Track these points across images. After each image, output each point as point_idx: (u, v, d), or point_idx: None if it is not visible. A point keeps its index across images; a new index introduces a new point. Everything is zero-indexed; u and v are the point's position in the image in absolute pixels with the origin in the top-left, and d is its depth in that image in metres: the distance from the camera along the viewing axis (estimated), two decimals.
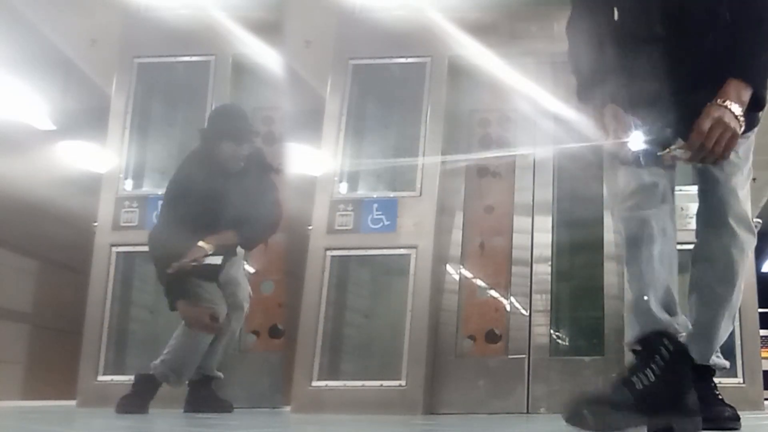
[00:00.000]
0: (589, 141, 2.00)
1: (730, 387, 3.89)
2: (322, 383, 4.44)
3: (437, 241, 4.67)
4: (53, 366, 6.71)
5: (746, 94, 1.86)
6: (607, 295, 4.58)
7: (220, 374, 4.28)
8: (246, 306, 4.33)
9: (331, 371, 4.55)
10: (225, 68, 5.31)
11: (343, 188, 4.83)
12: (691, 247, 2.16)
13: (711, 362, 2.18)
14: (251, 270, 5.46)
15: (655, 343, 1.73)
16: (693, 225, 2.18)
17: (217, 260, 4.08)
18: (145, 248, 4.18)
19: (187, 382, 4.20)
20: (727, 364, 2.31)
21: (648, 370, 1.62)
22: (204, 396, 4.20)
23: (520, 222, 4.88)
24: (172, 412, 4.07)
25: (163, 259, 3.98)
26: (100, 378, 4.76)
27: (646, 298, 1.78)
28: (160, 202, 4.35)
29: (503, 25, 4.84)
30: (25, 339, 6.94)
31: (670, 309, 1.87)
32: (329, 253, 4.70)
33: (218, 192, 4.07)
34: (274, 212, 4.30)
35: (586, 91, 1.94)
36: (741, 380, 4.38)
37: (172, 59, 5.37)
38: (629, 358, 1.79)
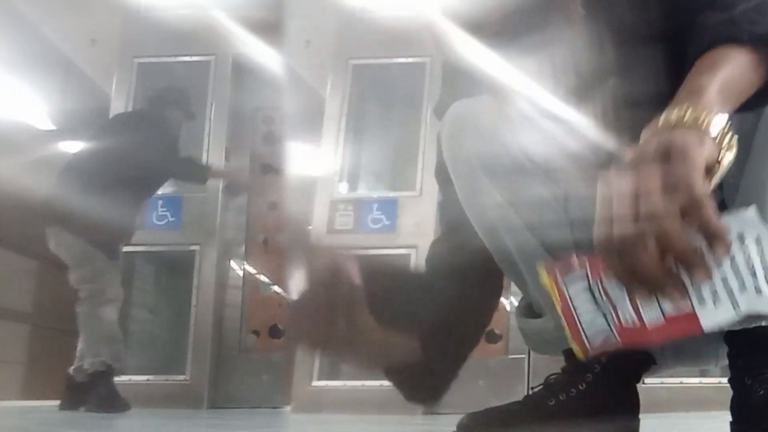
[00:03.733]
0: None
1: None
2: (322, 383, 4.44)
3: None
4: (53, 366, 6.71)
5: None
6: None
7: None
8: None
9: (332, 371, 4.56)
10: (225, 68, 5.31)
11: (343, 188, 4.83)
12: None
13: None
14: (251, 270, 5.48)
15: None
16: None
17: None
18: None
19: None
20: None
21: (572, 389, 1.25)
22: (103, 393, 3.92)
23: None
24: (171, 411, 4.07)
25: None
26: None
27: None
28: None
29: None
30: (25, 339, 6.95)
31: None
32: None
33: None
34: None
35: None
36: None
37: (172, 59, 5.38)
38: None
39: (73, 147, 4.35)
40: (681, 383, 4.00)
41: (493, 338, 4.59)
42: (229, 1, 5.15)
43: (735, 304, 0.73)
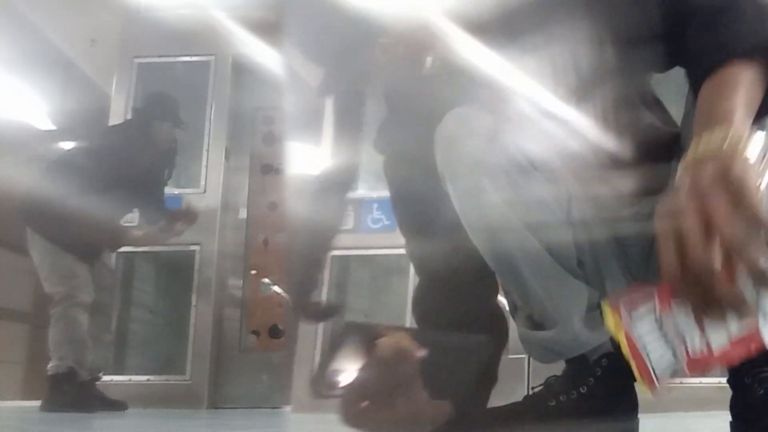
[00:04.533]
0: None
1: None
2: None
3: None
4: None
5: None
6: None
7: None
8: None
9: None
10: (225, 68, 5.31)
11: None
12: None
13: None
14: (252, 270, 5.48)
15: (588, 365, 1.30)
16: None
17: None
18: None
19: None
20: None
21: (573, 390, 1.26)
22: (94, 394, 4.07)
23: None
24: (171, 411, 4.07)
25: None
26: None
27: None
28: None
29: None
30: (25, 339, 6.94)
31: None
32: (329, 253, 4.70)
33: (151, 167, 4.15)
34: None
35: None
36: None
37: (172, 59, 5.37)
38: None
39: (62, 148, 4.32)
40: (681, 383, 4.00)
41: None
42: (229, 1, 5.15)
43: None
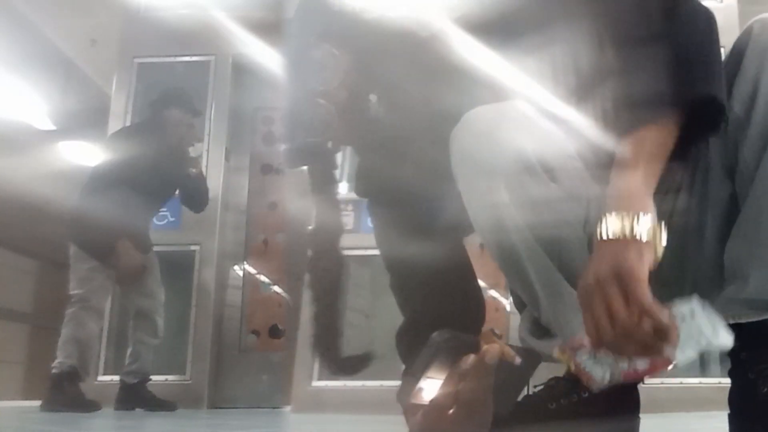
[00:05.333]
0: None
1: None
2: (322, 383, 4.43)
3: None
4: None
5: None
6: None
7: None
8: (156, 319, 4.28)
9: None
10: (225, 68, 5.31)
11: (343, 188, 4.82)
12: None
13: None
14: (252, 270, 5.48)
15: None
16: None
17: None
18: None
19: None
20: None
21: (574, 394, 1.26)
22: (144, 396, 4.20)
23: None
24: (171, 411, 4.07)
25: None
26: (100, 378, 4.76)
27: None
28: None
29: None
30: (25, 339, 6.95)
31: None
32: None
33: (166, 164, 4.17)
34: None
35: None
36: None
37: (172, 59, 5.37)
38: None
39: (88, 159, 4.33)
40: (681, 383, 4.00)
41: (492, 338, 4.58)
42: (229, 1, 5.15)
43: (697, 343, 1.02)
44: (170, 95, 4.36)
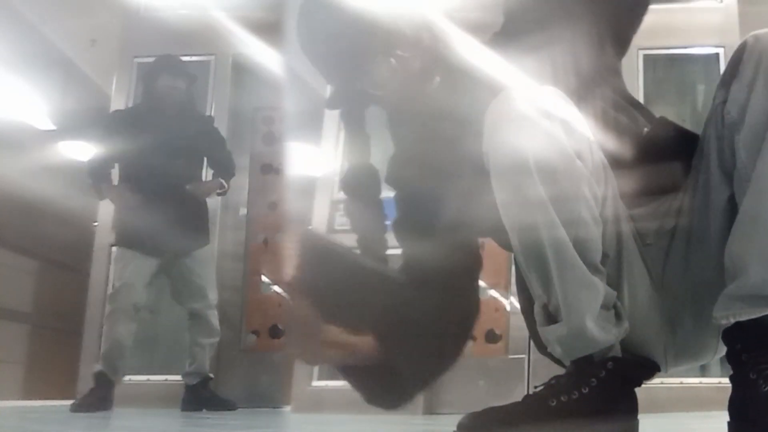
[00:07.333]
0: None
1: None
2: (322, 383, 4.43)
3: None
4: (53, 366, 6.71)
5: None
6: None
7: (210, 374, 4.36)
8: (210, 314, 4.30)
9: (332, 371, 4.55)
10: (225, 68, 5.31)
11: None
12: None
13: None
14: (251, 270, 5.47)
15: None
16: None
17: None
18: None
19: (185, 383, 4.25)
20: None
21: (575, 391, 1.26)
22: (205, 396, 4.24)
23: None
24: (170, 411, 4.08)
25: None
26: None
27: None
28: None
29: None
30: (25, 339, 6.95)
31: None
32: None
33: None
34: None
35: None
36: None
37: None
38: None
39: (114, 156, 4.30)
40: (681, 383, 4.00)
41: (493, 338, 4.58)
42: (229, 1, 5.15)
43: None
44: (158, 65, 4.31)
